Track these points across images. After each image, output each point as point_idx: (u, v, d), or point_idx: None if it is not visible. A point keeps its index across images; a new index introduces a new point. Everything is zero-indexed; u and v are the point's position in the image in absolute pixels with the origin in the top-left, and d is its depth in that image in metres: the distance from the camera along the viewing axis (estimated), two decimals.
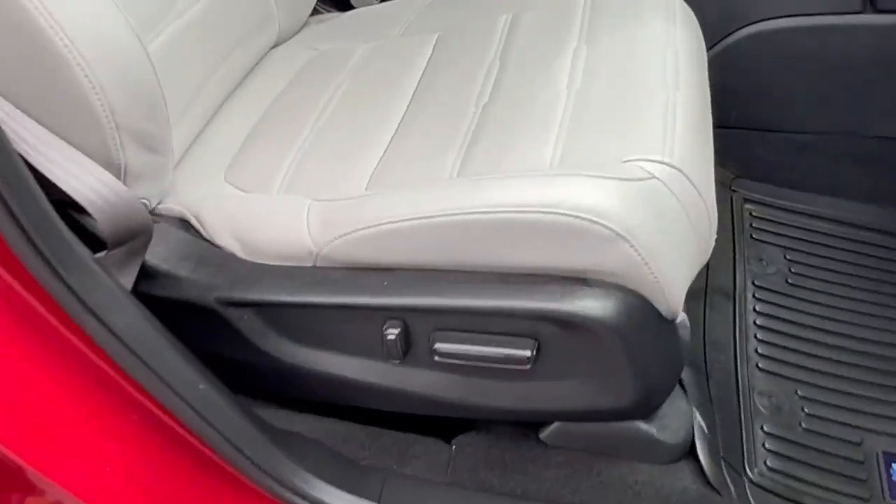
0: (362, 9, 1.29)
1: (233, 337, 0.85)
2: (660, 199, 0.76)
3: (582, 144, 0.81)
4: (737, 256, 1.17)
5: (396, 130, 0.96)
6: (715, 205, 0.82)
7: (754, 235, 1.22)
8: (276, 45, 1.24)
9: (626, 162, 0.77)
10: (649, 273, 0.73)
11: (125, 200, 0.76)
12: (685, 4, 1.07)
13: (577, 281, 0.75)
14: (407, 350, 0.81)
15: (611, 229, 0.71)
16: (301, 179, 0.92)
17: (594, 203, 0.71)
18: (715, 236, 0.82)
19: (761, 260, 1.18)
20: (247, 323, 0.84)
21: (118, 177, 0.78)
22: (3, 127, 0.65)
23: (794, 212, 1.26)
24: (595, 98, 0.88)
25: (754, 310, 1.11)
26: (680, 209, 0.77)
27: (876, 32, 1.18)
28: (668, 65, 0.92)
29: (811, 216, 1.25)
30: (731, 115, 1.33)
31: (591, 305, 0.74)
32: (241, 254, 0.85)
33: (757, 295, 1.13)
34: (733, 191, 1.29)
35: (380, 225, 0.77)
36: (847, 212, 1.26)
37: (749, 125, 1.33)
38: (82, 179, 0.73)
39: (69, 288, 0.65)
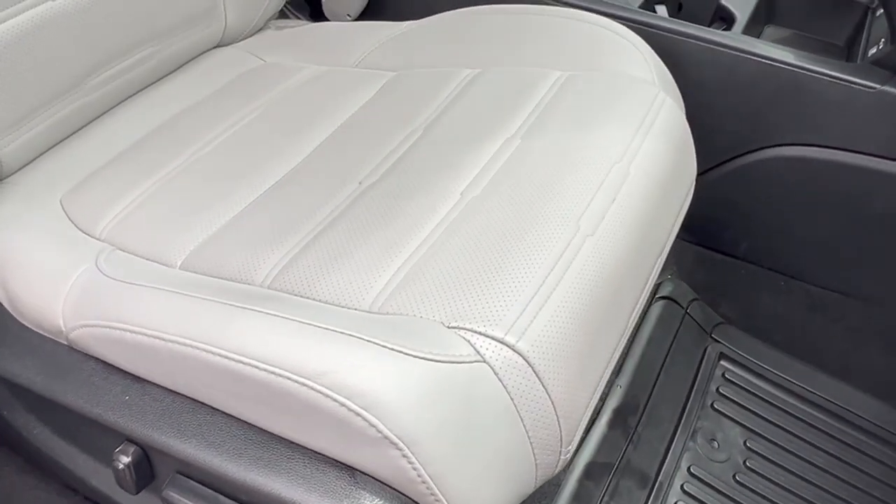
0: (330, 23, 1.10)
1: None
2: (481, 393, 0.55)
3: (417, 288, 0.60)
4: (680, 428, 0.93)
5: (264, 192, 0.78)
6: (580, 412, 0.60)
7: (717, 405, 0.97)
8: (220, 45, 1.07)
9: (451, 328, 0.56)
10: (429, 493, 0.53)
11: None
12: (674, 106, 0.84)
13: (344, 471, 0.55)
14: (144, 484, 0.63)
15: (379, 431, 0.51)
16: (127, 228, 0.75)
17: (366, 388, 0.51)
18: (568, 453, 0.60)
19: (713, 440, 0.94)
20: None
21: None
22: None
23: (780, 386, 1.00)
24: (480, 220, 0.67)
25: None
26: (511, 413, 0.56)
27: None
28: (600, 195, 0.70)
29: (800, 398, 0.99)
30: (739, 246, 1.08)
31: None
32: (5, 303, 0.70)
33: (686, 487, 0.89)
34: (713, 339, 1.04)
35: (122, 329, 0.60)
36: (846, 403, 0.99)
37: (760, 262, 1.07)
38: None
39: None
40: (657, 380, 0.96)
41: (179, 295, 0.61)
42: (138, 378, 0.62)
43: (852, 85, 0.91)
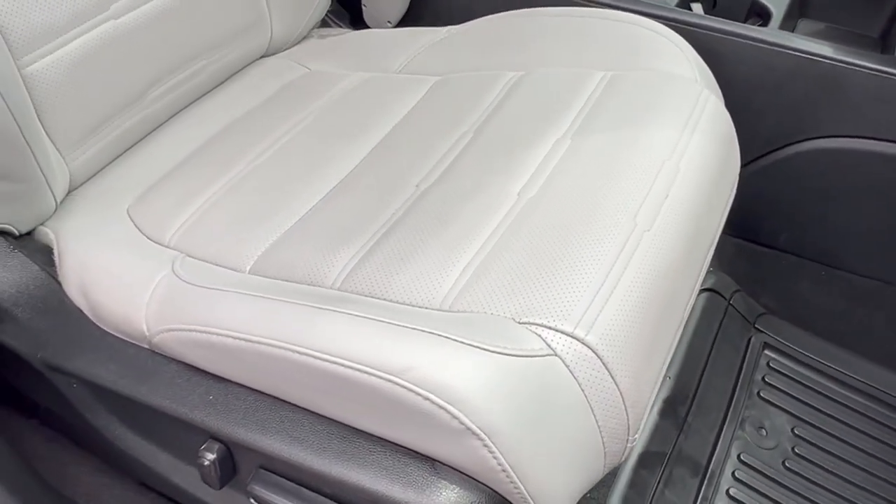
0: (372, 31, 1.13)
1: (62, 402, 0.73)
2: (554, 384, 0.57)
3: (485, 286, 0.63)
4: (728, 416, 0.95)
5: (325, 195, 0.80)
6: (646, 400, 0.63)
7: (763, 393, 0.99)
8: (266, 55, 1.11)
9: (522, 323, 0.59)
10: (509, 482, 0.56)
11: None
12: (719, 103, 0.86)
13: (425, 463, 0.58)
14: (227, 479, 0.66)
15: (461, 422, 0.54)
16: (195, 235, 0.78)
17: (448, 382, 0.54)
18: (634, 438, 0.62)
19: (761, 428, 0.96)
20: (76, 392, 0.73)
21: None
22: None
23: (823, 373, 1.02)
24: (539, 219, 0.69)
25: (727, 493, 0.89)
26: (582, 404, 0.58)
27: None
28: (654, 191, 0.72)
29: (843, 384, 1.01)
30: (779, 237, 1.10)
31: (429, 501, 0.57)
32: (87, 311, 0.73)
33: (737, 474, 0.91)
34: (756, 329, 1.05)
35: (208, 332, 0.63)
36: (890, 388, 1.01)
37: (799, 252, 1.09)
38: None
39: None
40: (704, 370, 0.98)
41: (260, 298, 0.64)
42: (221, 378, 0.65)
43: (890, 76, 0.92)
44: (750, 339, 1.04)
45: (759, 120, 1.02)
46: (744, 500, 0.89)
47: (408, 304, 0.63)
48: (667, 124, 0.81)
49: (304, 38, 1.13)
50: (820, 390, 1.01)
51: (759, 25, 1.06)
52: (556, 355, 0.58)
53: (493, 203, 0.73)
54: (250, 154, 0.89)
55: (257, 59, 1.09)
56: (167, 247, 0.77)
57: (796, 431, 0.96)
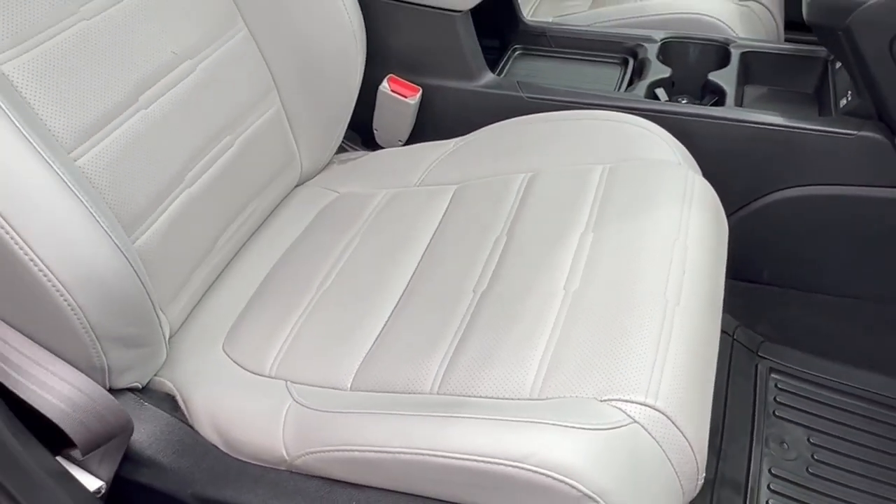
0: (386, 150, 1.29)
1: None
2: (639, 446, 0.72)
3: (563, 374, 0.78)
4: (754, 438, 1.11)
5: (393, 310, 0.94)
6: (705, 442, 0.78)
7: (777, 413, 1.15)
8: (298, 185, 1.25)
9: (604, 401, 0.74)
10: None
11: (101, 405, 0.77)
12: (704, 182, 1.03)
13: None
14: None
15: (578, 489, 0.68)
16: (292, 362, 0.91)
17: (562, 459, 0.68)
18: (703, 475, 0.77)
19: (782, 443, 1.12)
20: None
21: (100, 377, 0.80)
22: None
23: (824, 386, 1.18)
24: (588, 309, 0.85)
25: None
26: (661, 456, 0.73)
27: None
28: (673, 269, 0.89)
29: (842, 392, 1.18)
30: (761, 273, 1.27)
31: None
32: (221, 446, 0.85)
33: (773, 486, 1.06)
34: (760, 357, 1.22)
35: (350, 450, 0.76)
36: (882, 390, 1.18)
37: (782, 284, 1.27)
38: (56, 390, 0.74)
39: None
40: (726, 401, 1.14)
41: (386, 414, 0.77)
42: (358, 485, 0.78)
43: (835, 134, 1.12)
44: (757, 367, 1.21)
45: (732, 180, 1.20)
46: None
47: (503, 398, 0.78)
48: (667, 207, 0.97)
49: (327, 164, 1.28)
50: (824, 401, 1.17)
51: (716, 102, 1.25)
52: (636, 422, 0.73)
53: (546, 299, 0.88)
54: (316, 280, 1.02)
55: (292, 191, 1.24)
56: (271, 377, 0.91)
57: (812, 440, 1.12)
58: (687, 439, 0.75)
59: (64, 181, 0.72)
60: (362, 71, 1.18)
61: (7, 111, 0.69)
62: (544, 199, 1.05)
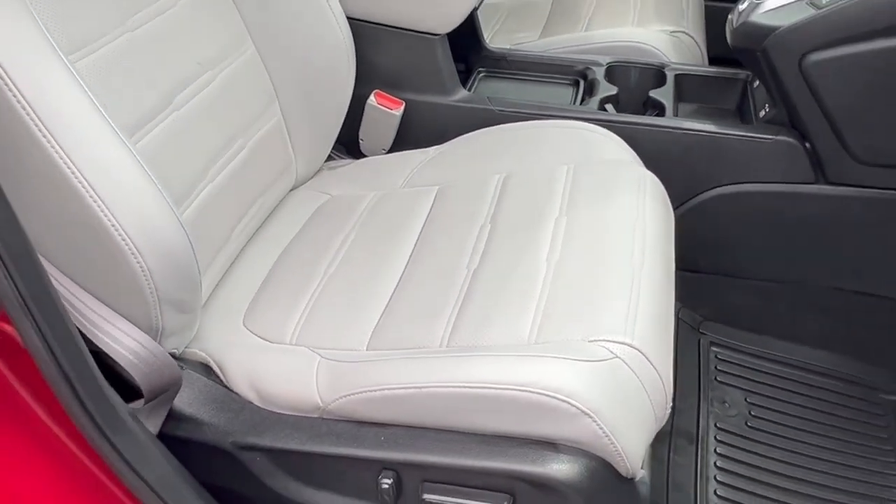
0: (370, 158, 1.44)
1: (246, 476, 0.96)
2: (621, 377, 0.88)
3: (555, 322, 0.94)
4: (701, 399, 1.29)
5: (396, 287, 1.09)
6: (671, 377, 0.94)
7: (718, 378, 1.34)
8: (293, 189, 1.38)
9: (592, 342, 0.90)
10: (610, 444, 0.85)
11: (161, 360, 0.88)
12: (654, 177, 1.22)
13: (548, 446, 0.87)
14: (398, 498, 0.92)
15: (577, 407, 0.83)
16: (311, 331, 1.04)
17: (563, 384, 0.84)
18: (671, 403, 0.94)
19: (724, 402, 1.30)
20: (258, 465, 0.95)
21: (155, 337, 0.91)
22: (64, 301, 0.78)
23: (756, 356, 1.38)
24: (569, 273, 1.01)
25: (715, 451, 1.22)
26: (639, 385, 0.89)
27: (827, 201, 1.33)
28: (636, 241, 1.06)
29: (771, 360, 1.38)
30: (699, 262, 1.47)
31: (559, 469, 0.85)
32: (256, 402, 0.97)
33: (718, 437, 1.24)
34: (701, 333, 1.41)
35: (380, 390, 0.89)
36: (804, 357, 1.38)
37: (717, 271, 1.47)
38: (125, 344, 0.85)
39: (112, 444, 0.77)
40: (676, 369, 1.31)
41: (405, 358, 0.91)
42: (385, 424, 0.91)
43: (757, 139, 1.33)
44: (699, 341, 1.40)
45: (672, 181, 1.38)
46: (728, 455, 1.22)
47: (506, 345, 0.93)
48: (626, 196, 1.15)
49: (318, 171, 1.42)
50: (757, 368, 1.37)
51: (657, 114, 1.45)
52: (618, 357, 0.89)
53: (533, 269, 1.04)
54: (322, 265, 1.16)
55: (289, 193, 1.37)
56: (293, 345, 1.03)
57: (748, 400, 1.31)
58: (658, 372, 0.91)
59: (137, 158, 0.84)
60: (352, 86, 1.33)
61: (92, 98, 0.82)
62: (520, 194, 1.22)
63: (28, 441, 0.77)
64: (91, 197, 0.80)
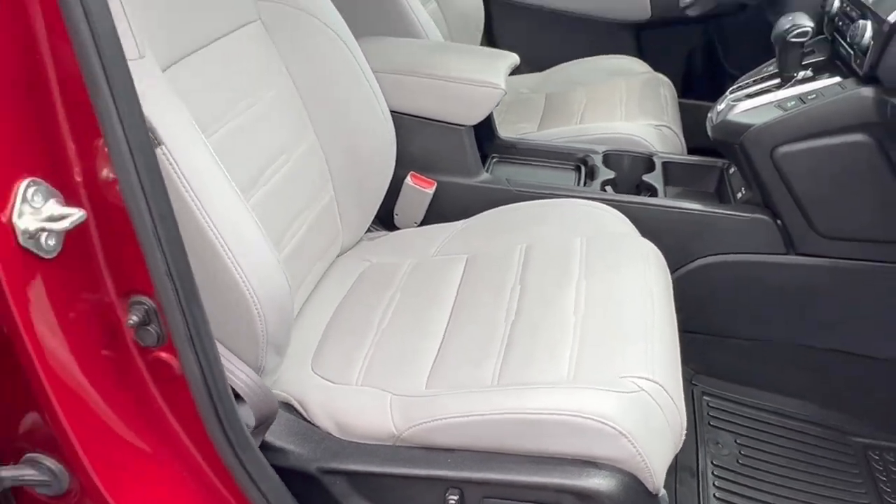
0: (404, 230, 1.64)
1: (326, 498, 1.12)
2: (648, 405, 1.08)
3: (588, 362, 1.13)
4: (698, 440, 1.48)
5: (443, 337, 1.27)
6: (684, 406, 1.14)
7: (711, 423, 1.53)
8: (339, 255, 1.57)
9: (622, 377, 1.10)
10: (641, 461, 1.04)
11: (265, 393, 1.05)
12: (655, 247, 1.45)
13: (590, 464, 1.05)
14: None
15: (616, 429, 1.02)
16: (373, 374, 1.21)
17: (604, 410, 1.03)
18: (685, 431, 1.13)
19: (717, 443, 1.49)
20: (338, 487, 1.11)
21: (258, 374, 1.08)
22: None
23: (743, 404, 1.59)
24: (595, 324, 1.21)
25: (714, 484, 1.40)
26: (661, 413, 1.08)
27: (797, 269, 1.57)
28: (646, 299, 1.27)
29: (756, 408, 1.58)
30: (689, 323, 1.68)
31: (601, 483, 1.03)
32: (335, 433, 1.14)
33: (715, 472, 1.43)
34: (694, 385, 1.61)
35: (447, 419, 1.07)
36: (784, 405, 1.59)
37: (705, 331, 1.68)
38: (242, 378, 1.02)
39: (240, 461, 0.94)
40: None
41: (466, 392, 1.09)
42: (450, 448, 1.09)
43: (737, 217, 1.57)
44: (693, 392, 1.60)
45: (665, 251, 1.61)
46: (725, 487, 1.41)
47: (550, 380, 1.11)
48: (634, 263, 1.37)
49: (359, 241, 1.61)
50: (744, 415, 1.57)
51: (651, 195, 1.69)
52: (644, 390, 1.08)
53: (563, 320, 1.23)
54: (375, 319, 1.34)
55: (334, 260, 1.56)
56: (360, 385, 1.20)
57: (738, 441, 1.51)
58: (675, 403, 1.11)
59: (252, 216, 1.03)
60: (393, 168, 1.55)
61: (224, 171, 1.01)
62: (542, 261, 1.43)
63: (176, 463, 0.93)
64: (226, 253, 0.98)
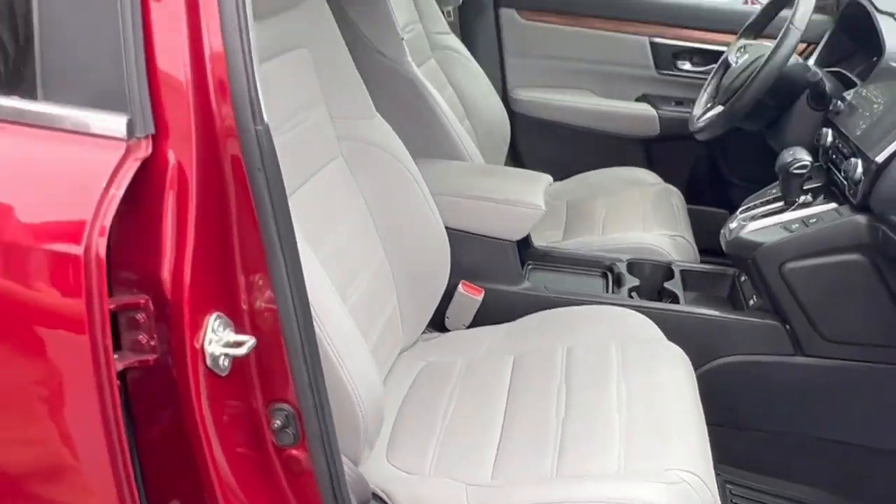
0: (455, 332, 1.84)
1: None
2: (690, 495, 1.26)
3: (635, 454, 1.32)
4: None
5: (501, 432, 1.45)
6: (717, 495, 1.32)
7: None
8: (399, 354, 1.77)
9: (668, 470, 1.28)
10: None
11: (365, 485, 1.23)
12: (681, 350, 1.65)
13: None
14: None
15: None
16: (445, 464, 1.39)
17: (653, 499, 1.21)
18: None
19: None
20: None
21: None
22: None
23: (761, 491, 1.76)
24: (637, 421, 1.40)
25: None
26: (700, 502, 1.26)
27: (804, 370, 1.77)
28: (679, 399, 1.47)
29: (774, 496, 1.75)
30: (713, 416, 1.86)
31: None
32: None
33: None
34: (717, 473, 1.79)
35: None
36: (797, 493, 1.76)
37: (728, 424, 1.87)
38: (347, 472, 1.20)
39: None
40: None
41: (535, 482, 1.27)
42: None
43: (750, 322, 1.78)
44: (716, 479, 1.77)
45: (688, 351, 1.81)
46: None
47: (605, 472, 1.29)
48: (666, 366, 1.57)
49: (416, 341, 1.81)
50: (762, 501, 1.74)
51: (672, 301, 1.91)
52: (686, 482, 1.26)
53: (609, 418, 1.42)
54: (438, 414, 1.52)
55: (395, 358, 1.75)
56: (432, 476, 1.38)
57: None
58: (711, 493, 1.29)
59: (352, 322, 1.23)
60: (448, 277, 1.76)
61: (328, 281, 1.21)
62: (583, 362, 1.62)
63: None
64: (335, 358, 1.17)
